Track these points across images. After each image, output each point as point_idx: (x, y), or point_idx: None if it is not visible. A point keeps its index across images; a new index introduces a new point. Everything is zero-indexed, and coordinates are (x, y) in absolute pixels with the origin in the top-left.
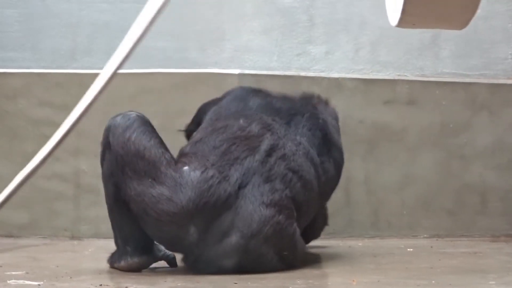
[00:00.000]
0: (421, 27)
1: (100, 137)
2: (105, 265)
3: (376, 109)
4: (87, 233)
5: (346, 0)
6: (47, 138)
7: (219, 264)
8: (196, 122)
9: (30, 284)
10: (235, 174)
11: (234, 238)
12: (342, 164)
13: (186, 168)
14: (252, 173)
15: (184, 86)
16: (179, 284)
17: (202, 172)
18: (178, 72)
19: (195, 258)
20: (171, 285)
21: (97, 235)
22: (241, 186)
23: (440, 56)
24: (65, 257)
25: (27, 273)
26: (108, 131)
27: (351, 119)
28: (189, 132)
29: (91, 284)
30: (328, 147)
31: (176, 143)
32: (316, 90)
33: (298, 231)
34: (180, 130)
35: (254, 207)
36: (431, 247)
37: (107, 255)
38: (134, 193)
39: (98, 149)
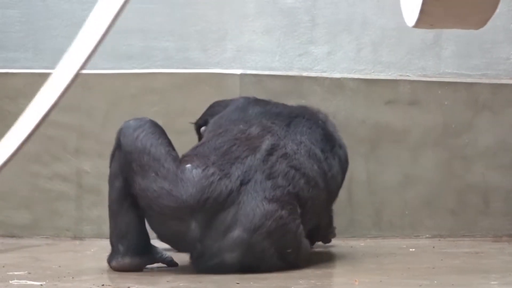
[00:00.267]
0: (438, 27)
1: (102, 137)
2: (107, 265)
3: (378, 109)
4: (89, 233)
5: (348, 0)
6: (49, 138)
7: (222, 259)
8: (205, 118)
9: (32, 284)
10: (236, 172)
11: (236, 232)
12: (346, 161)
13: (188, 165)
14: (254, 170)
15: (185, 86)
16: (181, 284)
17: (203, 170)
18: (180, 72)
19: (198, 253)
20: (172, 285)
21: (99, 235)
22: (243, 183)
23: (442, 56)
24: (67, 257)
25: (29, 273)
26: (120, 132)
27: (353, 119)
28: (198, 126)
29: (93, 284)
30: (331, 145)
31: (177, 143)
32: (318, 90)
33: (301, 228)
34: (191, 123)
35: (257, 202)
36: (433, 247)
37: None
38: (139, 188)
39: (101, 149)
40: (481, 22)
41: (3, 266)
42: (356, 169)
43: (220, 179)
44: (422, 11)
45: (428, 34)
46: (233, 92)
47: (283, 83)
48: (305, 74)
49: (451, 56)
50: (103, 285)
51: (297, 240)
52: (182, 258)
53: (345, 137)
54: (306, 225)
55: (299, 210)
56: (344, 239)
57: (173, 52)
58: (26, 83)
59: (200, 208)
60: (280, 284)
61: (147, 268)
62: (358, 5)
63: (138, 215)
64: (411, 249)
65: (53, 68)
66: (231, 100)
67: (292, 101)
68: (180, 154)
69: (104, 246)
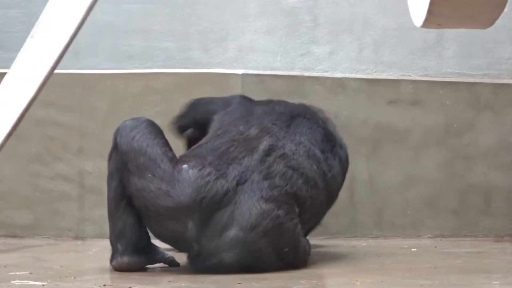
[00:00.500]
0: (446, 27)
1: (103, 137)
2: (108, 265)
3: (380, 109)
4: (91, 233)
5: (349, 0)
6: (51, 138)
7: (219, 258)
8: (188, 117)
9: (34, 285)
10: (233, 172)
11: (233, 232)
12: (347, 161)
13: (185, 166)
14: (251, 171)
15: (187, 86)
16: (182, 284)
17: (200, 170)
18: (181, 72)
19: (195, 253)
20: (174, 285)
21: (101, 235)
22: (239, 183)
23: (444, 56)
24: (69, 257)
25: (31, 273)
26: (116, 132)
27: (355, 119)
28: (180, 127)
29: (95, 285)
30: (331, 145)
31: (178, 143)
32: (319, 90)
33: (299, 227)
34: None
35: (253, 202)
36: (435, 247)
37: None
38: (134, 188)
39: (102, 149)
40: (489, 21)
41: (5, 266)
42: (358, 169)
43: (217, 179)
44: (429, 11)
45: (430, 34)
46: (235, 92)
47: (285, 83)
48: (307, 74)
49: (453, 56)
50: (104, 285)
51: (294, 240)
52: (183, 258)
53: (347, 137)
54: (305, 225)
55: (297, 210)
56: (345, 239)
57: (175, 52)
58: None
59: (196, 208)
60: (282, 284)
61: (148, 268)
62: (360, 5)
63: (136, 214)
64: (412, 249)
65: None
66: (221, 98)
67: (294, 101)
68: (179, 155)
69: (105, 246)
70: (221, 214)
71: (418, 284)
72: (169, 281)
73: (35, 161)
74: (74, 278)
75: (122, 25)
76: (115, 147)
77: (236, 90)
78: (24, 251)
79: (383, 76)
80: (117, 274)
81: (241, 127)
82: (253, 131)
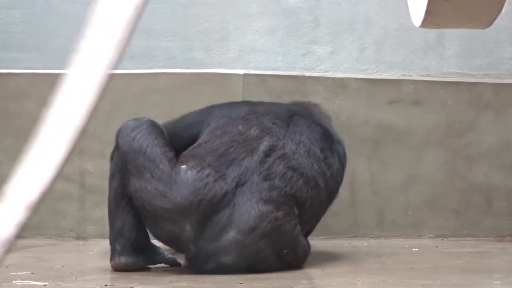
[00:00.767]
0: (444, 27)
1: (105, 137)
2: (110, 265)
3: (381, 109)
4: (92, 233)
5: (351, 0)
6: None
7: (217, 261)
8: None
9: (35, 285)
10: (232, 174)
11: (231, 234)
12: (345, 156)
13: (183, 166)
14: (250, 172)
15: (188, 86)
16: (183, 284)
17: (198, 171)
18: (182, 72)
19: (193, 255)
20: (175, 285)
21: (103, 235)
22: (238, 185)
23: (444, 56)
24: (70, 257)
25: (32, 273)
26: (118, 133)
27: (356, 119)
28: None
29: (96, 285)
30: (329, 142)
31: None
32: (320, 90)
33: (298, 228)
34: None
35: (252, 204)
36: (436, 247)
37: None
38: (133, 189)
39: (103, 149)
40: (487, 22)
41: (6, 266)
42: (359, 169)
43: (215, 180)
44: (427, 12)
45: (431, 34)
46: (236, 92)
47: (286, 83)
48: (308, 74)
49: (454, 56)
50: (106, 285)
51: (293, 241)
52: (183, 258)
53: (348, 137)
54: (305, 226)
55: (296, 211)
56: (347, 239)
57: (176, 52)
58: (30, 83)
59: (194, 210)
60: (283, 284)
61: (150, 268)
62: (361, 5)
63: (135, 215)
64: (414, 249)
65: (56, 68)
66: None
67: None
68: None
69: (107, 246)
70: (219, 216)
71: (420, 284)
72: (170, 281)
73: None
74: (76, 278)
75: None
76: (117, 147)
77: (237, 90)
78: (26, 251)
79: (384, 76)
80: (119, 274)
81: (241, 127)
82: (253, 132)
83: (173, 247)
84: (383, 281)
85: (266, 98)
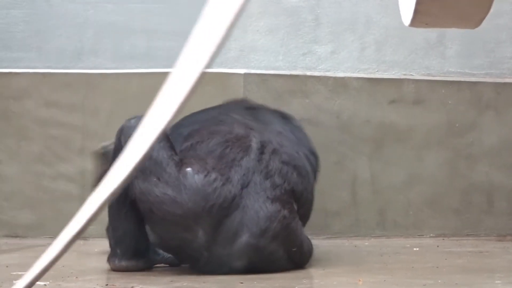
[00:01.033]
0: (434, 26)
1: (106, 137)
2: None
3: (382, 108)
4: (93, 233)
5: None
6: (53, 138)
7: (231, 266)
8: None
9: (36, 284)
10: (235, 176)
11: (244, 238)
12: (302, 126)
13: (189, 169)
14: (251, 172)
15: None
16: (184, 284)
17: (206, 176)
18: None
19: (206, 261)
20: (176, 285)
21: (103, 235)
22: (243, 186)
23: (446, 56)
24: (71, 257)
25: None
26: (120, 132)
27: (357, 118)
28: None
29: (97, 284)
30: (288, 120)
31: None
32: (321, 89)
33: (300, 224)
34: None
35: (260, 204)
36: (437, 246)
37: None
38: (138, 191)
39: None
40: (476, 21)
41: (7, 266)
42: (360, 169)
43: (223, 184)
44: (416, 11)
45: (432, 33)
46: (237, 92)
47: (286, 83)
48: (308, 73)
49: (455, 55)
50: (107, 285)
51: (299, 239)
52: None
53: (349, 137)
54: (302, 220)
55: (295, 206)
56: (348, 239)
57: (177, 52)
58: (30, 83)
59: (206, 216)
60: (284, 284)
61: (150, 268)
62: (362, 4)
63: (137, 219)
64: (415, 249)
65: (57, 68)
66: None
67: (296, 100)
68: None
69: (107, 246)
70: (231, 220)
71: (421, 283)
72: (171, 281)
73: (37, 161)
74: (76, 277)
75: (124, 25)
76: (119, 147)
77: (238, 89)
78: (27, 251)
79: (385, 75)
80: (119, 274)
81: (224, 126)
82: (238, 129)
83: (183, 253)
84: (384, 280)
85: (267, 98)
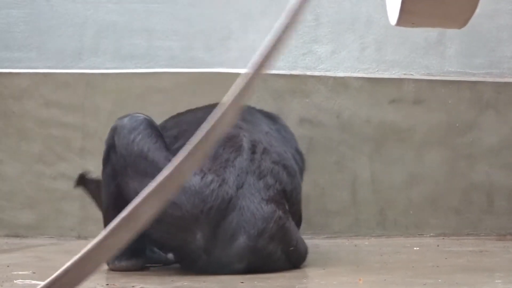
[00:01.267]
0: (420, 26)
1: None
2: None
3: (382, 108)
4: (93, 233)
5: None
6: (54, 138)
7: (229, 268)
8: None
9: (36, 284)
10: (230, 176)
11: (241, 240)
12: (287, 126)
13: None
14: (245, 172)
15: (190, 86)
16: (185, 283)
17: (202, 178)
18: (184, 72)
19: (204, 262)
20: (177, 284)
21: None
22: (238, 187)
23: (446, 55)
24: (71, 257)
25: (34, 273)
26: (114, 131)
27: (357, 118)
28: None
29: (97, 284)
30: (273, 119)
31: None
32: (322, 89)
33: (293, 224)
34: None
35: (255, 205)
36: (438, 245)
37: None
38: (135, 192)
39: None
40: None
41: (8, 266)
42: (360, 168)
43: (220, 186)
44: (402, 10)
45: (432, 33)
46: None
47: (287, 82)
48: (309, 73)
49: (455, 55)
50: (107, 284)
51: (294, 238)
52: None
53: (349, 136)
54: (293, 218)
55: (287, 206)
56: (348, 238)
57: (178, 51)
58: (30, 83)
59: (205, 218)
60: (284, 283)
61: (151, 267)
62: (362, 4)
63: None
64: (415, 248)
65: (57, 68)
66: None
67: (296, 100)
68: None
69: None
70: (228, 222)
71: (421, 283)
72: (172, 281)
73: (38, 161)
74: None
75: (125, 25)
76: (112, 147)
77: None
78: (27, 250)
79: (385, 75)
80: (120, 273)
81: None
82: (229, 129)
83: (181, 255)
84: (385, 280)
85: (267, 98)
